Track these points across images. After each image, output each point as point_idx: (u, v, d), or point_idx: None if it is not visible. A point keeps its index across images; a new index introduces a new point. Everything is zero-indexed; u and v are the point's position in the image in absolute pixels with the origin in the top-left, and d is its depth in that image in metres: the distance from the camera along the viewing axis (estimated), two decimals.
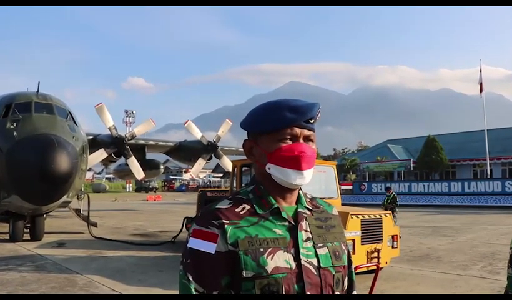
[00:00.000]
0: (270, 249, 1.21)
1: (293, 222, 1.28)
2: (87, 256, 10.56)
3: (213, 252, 1.20)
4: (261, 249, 1.21)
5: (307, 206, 1.35)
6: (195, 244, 1.22)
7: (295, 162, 1.26)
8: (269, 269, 1.19)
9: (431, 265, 9.20)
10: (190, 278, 1.20)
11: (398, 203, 15.15)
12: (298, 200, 1.35)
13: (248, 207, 1.27)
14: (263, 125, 1.29)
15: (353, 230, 7.32)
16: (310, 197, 1.42)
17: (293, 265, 1.22)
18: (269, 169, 1.28)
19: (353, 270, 1.46)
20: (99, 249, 11.64)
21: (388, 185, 18.71)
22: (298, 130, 1.28)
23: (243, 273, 1.19)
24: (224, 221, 1.22)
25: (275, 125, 1.27)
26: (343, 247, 1.38)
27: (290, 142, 1.28)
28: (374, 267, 4.98)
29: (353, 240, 7.31)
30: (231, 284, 1.21)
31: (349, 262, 1.42)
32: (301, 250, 1.25)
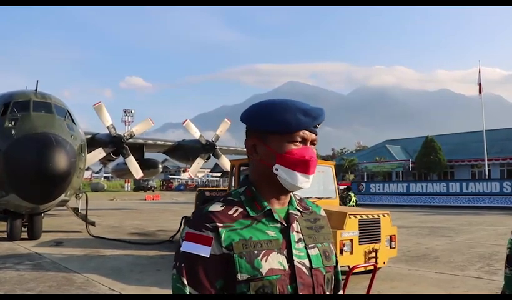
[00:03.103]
0: (264, 251, 1.21)
1: (285, 224, 1.29)
2: (84, 255, 10.56)
3: (208, 256, 1.19)
4: (256, 252, 1.21)
5: (297, 207, 1.36)
6: (189, 247, 1.21)
7: (305, 166, 1.27)
8: (264, 271, 1.19)
9: (428, 266, 9.21)
10: (185, 282, 1.19)
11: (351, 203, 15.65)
12: (289, 202, 1.35)
13: (240, 209, 1.27)
14: (275, 125, 1.27)
15: (350, 230, 7.32)
16: (298, 198, 1.42)
17: (286, 266, 1.23)
18: (276, 170, 1.27)
19: (339, 269, 1.47)
20: (97, 247, 11.64)
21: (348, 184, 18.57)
22: (308, 134, 1.29)
23: (238, 276, 1.19)
24: (218, 224, 1.21)
25: (290, 127, 1.26)
26: (332, 247, 1.40)
27: (300, 145, 1.28)
28: (372, 267, 4.99)
29: (351, 240, 7.32)
30: (225, 287, 1.21)
31: (336, 261, 1.43)
32: (294, 252, 1.26)
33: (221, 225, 1.21)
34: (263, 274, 1.19)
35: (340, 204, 13.87)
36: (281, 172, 1.27)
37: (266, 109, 1.30)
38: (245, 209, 1.27)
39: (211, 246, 1.20)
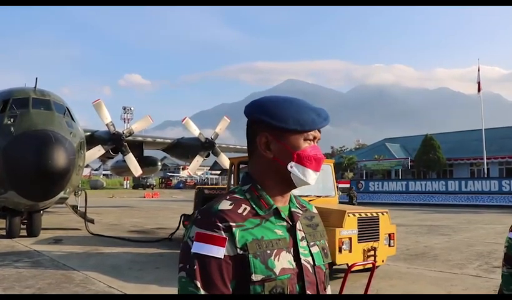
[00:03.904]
0: (276, 251, 1.21)
1: (290, 222, 1.29)
2: (83, 252, 10.56)
3: (222, 257, 1.16)
4: (268, 251, 1.20)
5: (297, 205, 1.36)
6: (201, 248, 1.17)
7: (317, 164, 1.29)
8: (277, 270, 1.19)
9: (427, 264, 9.23)
10: (199, 285, 1.14)
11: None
12: (290, 200, 1.35)
13: (248, 208, 1.25)
14: (294, 123, 1.26)
15: (349, 229, 7.34)
16: (293, 195, 1.41)
17: (294, 265, 1.24)
18: (291, 167, 1.26)
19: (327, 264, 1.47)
20: (96, 245, 11.64)
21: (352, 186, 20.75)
22: (318, 133, 1.31)
23: (253, 276, 1.17)
24: (231, 224, 1.18)
25: (307, 126, 1.27)
26: (327, 244, 1.42)
27: (312, 143, 1.30)
28: (371, 265, 5.00)
29: (350, 239, 7.33)
30: (237, 288, 1.18)
31: None
32: (300, 250, 1.27)
33: (235, 224, 1.19)
34: (277, 274, 1.19)
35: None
36: (296, 170, 1.27)
37: (281, 106, 1.28)
38: (253, 208, 1.25)
39: (225, 247, 1.16)
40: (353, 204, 17.63)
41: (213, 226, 1.18)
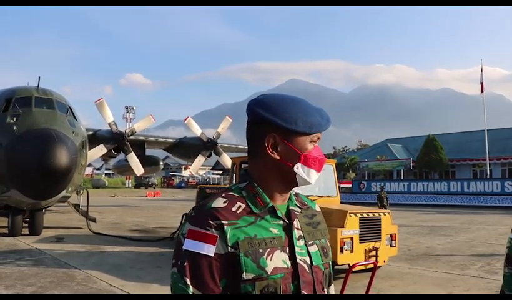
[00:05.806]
0: (269, 250, 1.20)
1: (286, 221, 1.28)
2: (85, 251, 10.58)
3: (212, 255, 1.16)
4: (261, 250, 1.19)
5: (296, 203, 1.35)
6: (192, 245, 1.17)
7: (320, 165, 1.31)
8: (269, 270, 1.18)
9: (429, 265, 9.21)
10: (188, 282, 1.16)
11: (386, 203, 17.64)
12: (289, 198, 1.34)
13: (243, 205, 1.24)
14: (303, 125, 1.26)
15: (351, 229, 7.34)
16: (294, 193, 1.40)
17: (289, 264, 1.22)
18: (297, 168, 1.27)
19: (331, 264, 1.45)
20: (98, 244, 11.66)
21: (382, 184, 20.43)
22: (320, 134, 1.32)
23: (244, 275, 1.16)
24: (223, 222, 1.18)
25: (315, 128, 1.27)
26: (328, 243, 1.40)
27: (315, 144, 1.31)
28: (372, 266, 5.00)
29: (351, 239, 7.33)
30: (228, 286, 1.18)
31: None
32: (296, 249, 1.25)
33: (226, 222, 1.18)
34: (269, 273, 1.18)
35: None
36: (301, 171, 1.27)
37: (288, 106, 1.27)
38: (248, 205, 1.24)
39: (216, 245, 1.16)
40: (384, 207, 17.21)
41: (205, 224, 1.18)
